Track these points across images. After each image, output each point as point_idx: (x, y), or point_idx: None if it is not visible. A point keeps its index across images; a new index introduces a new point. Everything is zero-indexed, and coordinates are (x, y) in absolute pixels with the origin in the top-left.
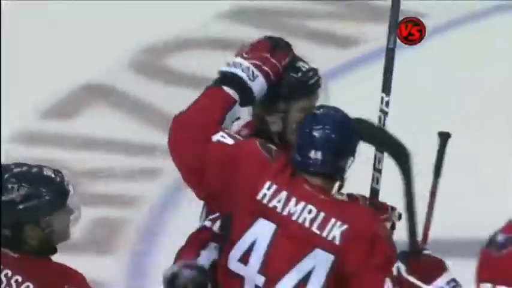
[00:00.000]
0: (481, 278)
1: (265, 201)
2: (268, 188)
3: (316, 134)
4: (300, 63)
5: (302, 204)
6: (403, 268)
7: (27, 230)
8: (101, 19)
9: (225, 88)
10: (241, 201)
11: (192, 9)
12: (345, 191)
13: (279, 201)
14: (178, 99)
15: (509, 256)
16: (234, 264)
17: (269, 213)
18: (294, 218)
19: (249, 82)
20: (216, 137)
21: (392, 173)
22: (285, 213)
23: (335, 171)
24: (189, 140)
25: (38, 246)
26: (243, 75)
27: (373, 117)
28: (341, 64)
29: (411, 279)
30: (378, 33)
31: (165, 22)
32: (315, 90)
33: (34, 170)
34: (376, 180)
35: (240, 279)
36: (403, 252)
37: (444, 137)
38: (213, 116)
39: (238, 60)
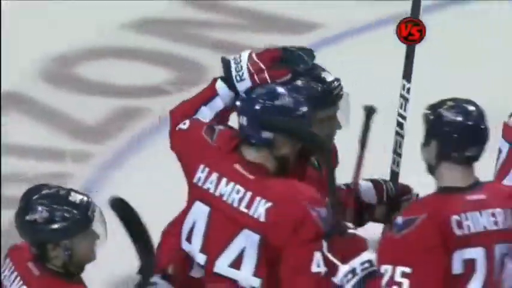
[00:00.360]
0: (381, 260)
1: (200, 184)
2: (202, 171)
3: (247, 101)
4: (324, 74)
5: (231, 184)
6: (325, 246)
7: (50, 250)
8: (11, 29)
9: (218, 80)
10: (188, 186)
11: (98, 19)
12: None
13: (211, 183)
14: (86, 106)
15: (407, 237)
16: (183, 244)
17: (204, 196)
18: (224, 198)
19: (235, 80)
20: (179, 126)
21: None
22: (217, 194)
23: (261, 141)
24: (170, 129)
25: (62, 267)
26: (234, 72)
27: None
28: None
29: (330, 257)
30: (274, 43)
31: (73, 32)
32: (338, 100)
33: (62, 192)
34: (396, 163)
35: (191, 257)
36: (327, 231)
37: (369, 111)
38: (186, 106)
39: (244, 55)
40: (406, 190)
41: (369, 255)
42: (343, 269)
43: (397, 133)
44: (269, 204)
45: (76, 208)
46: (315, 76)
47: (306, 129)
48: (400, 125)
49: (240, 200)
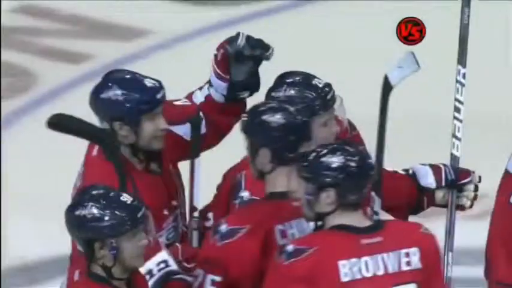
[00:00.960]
0: (198, 263)
1: None
2: None
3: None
4: (315, 80)
5: None
6: None
7: (97, 248)
8: None
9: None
10: None
11: None
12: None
13: None
14: None
15: (228, 247)
16: None
17: None
18: None
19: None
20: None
21: None
22: None
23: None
24: None
25: (106, 270)
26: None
27: None
28: (73, 79)
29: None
30: (105, 49)
31: None
32: (332, 103)
33: (112, 193)
34: (456, 147)
35: None
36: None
37: (195, 122)
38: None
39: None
40: (466, 173)
41: (163, 255)
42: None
43: (455, 117)
44: None
45: (125, 208)
46: (307, 85)
47: (85, 126)
48: (457, 110)
49: None
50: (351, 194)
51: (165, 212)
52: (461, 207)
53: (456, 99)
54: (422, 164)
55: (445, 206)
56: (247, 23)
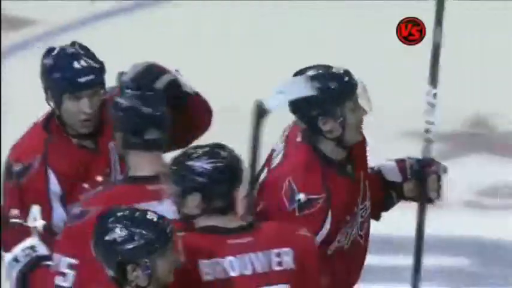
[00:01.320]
0: (55, 248)
1: None
2: None
3: None
4: (334, 70)
5: None
6: None
7: (129, 271)
8: None
9: None
10: None
11: None
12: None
13: None
14: None
15: (73, 229)
16: None
17: None
18: None
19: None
20: None
21: None
22: None
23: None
24: None
25: None
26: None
27: None
28: None
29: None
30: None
31: None
32: (356, 88)
33: (137, 213)
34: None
35: None
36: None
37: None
38: None
39: None
40: (431, 162)
41: (31, 241)
42: (7, 257)
43: (426, 139)
44: None
45: (154, 226)
46: (329, 74)
47: None
48: (427, 131)
49: None
50: (217, 199)
51: (84, 185)
52: (430, 200)
53: (427, 121)
54: (389, 160)
55: (414, 199)
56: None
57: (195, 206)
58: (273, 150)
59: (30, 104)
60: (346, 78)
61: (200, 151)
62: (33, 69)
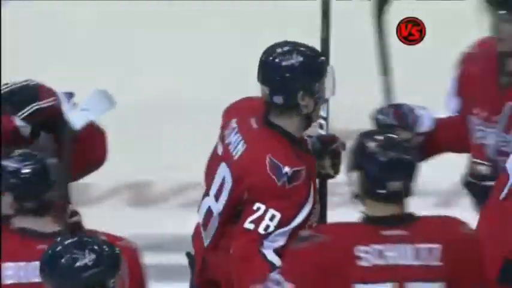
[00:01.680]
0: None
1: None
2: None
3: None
4: (311, 46)
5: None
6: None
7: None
8: None
9: None
10: None
11: None
12: None
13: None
14: None
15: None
16: None
17: None
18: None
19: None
20: None
21: None
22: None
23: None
24: None
25: None
26: None
27: None
28: None
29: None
30: None
31: None
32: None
33: (88, 238)
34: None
35: None
36: None
37: None
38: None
39: None
40: (332, 139)
41: None
42: None
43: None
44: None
45: (110, 248)
46: (311, 49)
47: None
48: (321, 127)
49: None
50: (28, 200)
51: None
52: (328, 176)
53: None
54: None
55: (327, 175)
56: None
57: (10, 205)
58: (215, 149)
59: None
60: (323, 56)
61: (17, 152)
62: None
